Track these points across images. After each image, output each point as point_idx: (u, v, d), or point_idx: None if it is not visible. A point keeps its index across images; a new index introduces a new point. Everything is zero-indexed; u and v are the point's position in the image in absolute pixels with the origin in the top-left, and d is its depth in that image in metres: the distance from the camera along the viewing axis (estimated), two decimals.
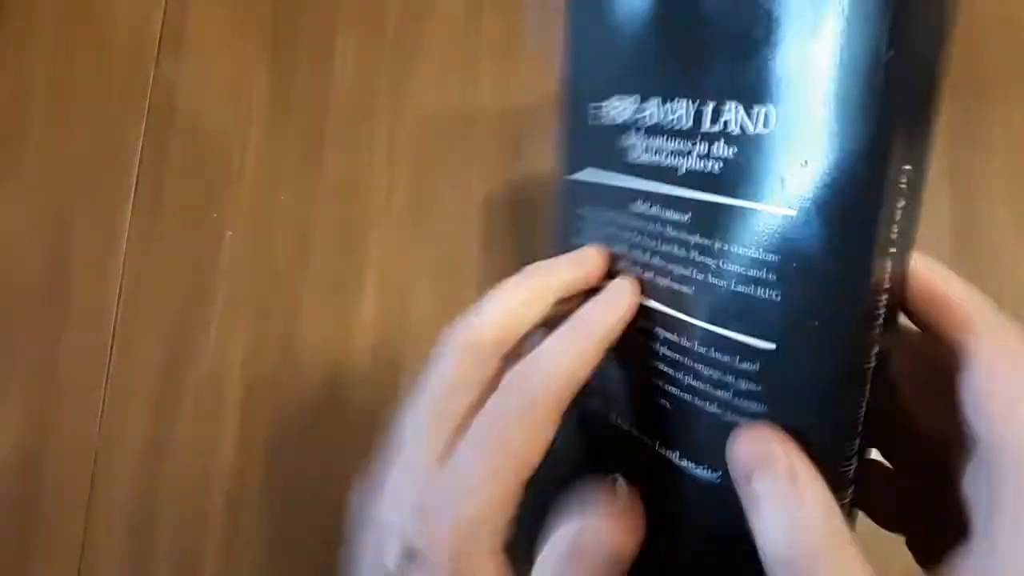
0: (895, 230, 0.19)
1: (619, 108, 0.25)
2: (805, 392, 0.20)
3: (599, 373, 0.23)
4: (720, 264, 0.21)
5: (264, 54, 0.44)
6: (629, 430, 0.25)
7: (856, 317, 0.19)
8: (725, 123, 0.21)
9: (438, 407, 0.23)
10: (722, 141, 0.21)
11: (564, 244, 0.27)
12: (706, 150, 0.21)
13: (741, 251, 0.21)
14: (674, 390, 0.23)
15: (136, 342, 0.41)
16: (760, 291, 0.20)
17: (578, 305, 0.24)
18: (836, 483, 0.19)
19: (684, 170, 0.22)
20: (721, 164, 0.21)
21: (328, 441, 0.39)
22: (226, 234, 0.42)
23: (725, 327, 0.21)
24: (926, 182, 0.19)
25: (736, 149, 0.21)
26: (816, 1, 0.18)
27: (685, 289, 0.22)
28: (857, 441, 0.20)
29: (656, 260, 0.23)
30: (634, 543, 0.22)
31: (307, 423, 0.40)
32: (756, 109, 0.20)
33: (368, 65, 0.44)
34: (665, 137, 0.23)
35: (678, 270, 0.23)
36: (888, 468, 0.24)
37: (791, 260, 0.19)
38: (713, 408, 0.22)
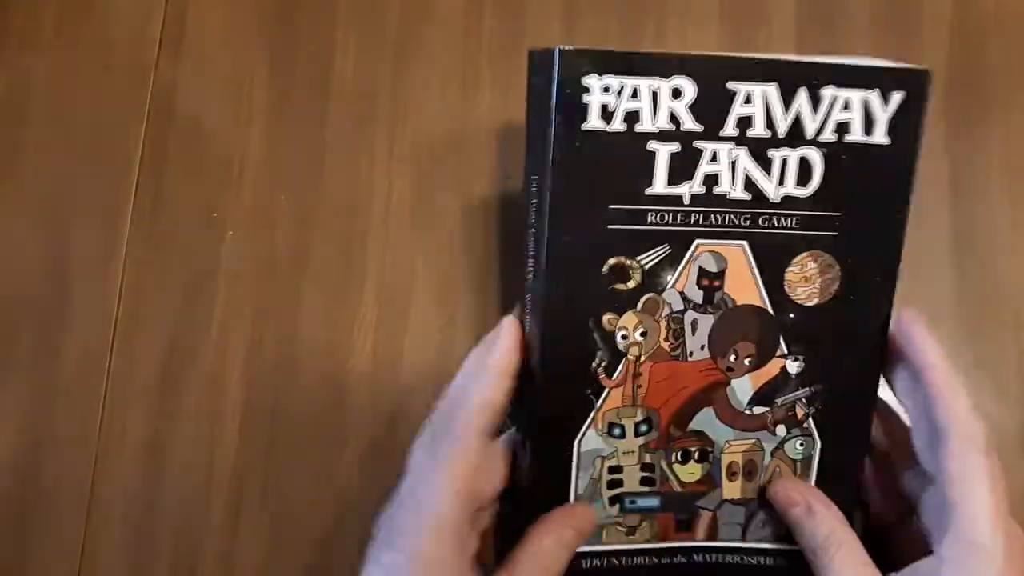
0: None
1: None
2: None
3: None
4: None
5: (264, 54, 0.44)
6: None
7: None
8: None
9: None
10: None
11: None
12: None
13: None
14: None
15: (136, 342, 0.41)
16: None
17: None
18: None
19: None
20: None
21: (328, 441, 0.40)
22: (226, 234, 0.42)
23: None
24: None
25: None
26: None
27: None
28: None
29: None
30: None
31: (307, 423, 0.40)
32: None
33: (368, 65, 0.44)
34: None
35: None
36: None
37: None
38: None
